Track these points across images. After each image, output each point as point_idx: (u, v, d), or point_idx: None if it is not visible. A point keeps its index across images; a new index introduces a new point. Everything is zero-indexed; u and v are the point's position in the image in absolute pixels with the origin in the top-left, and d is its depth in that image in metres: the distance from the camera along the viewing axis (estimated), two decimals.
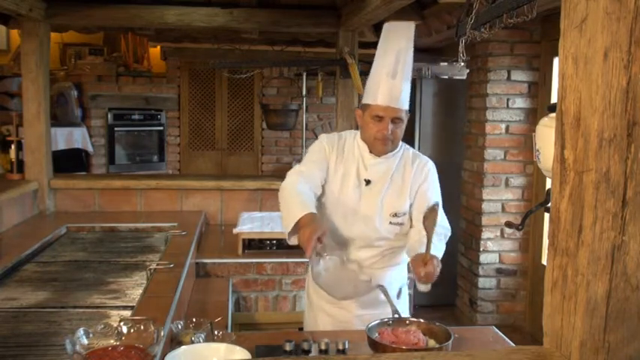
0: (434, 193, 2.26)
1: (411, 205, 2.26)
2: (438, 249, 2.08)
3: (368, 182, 2.23)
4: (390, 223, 2.23)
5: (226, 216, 4.18)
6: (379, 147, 2.22)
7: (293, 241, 2.11)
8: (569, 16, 1.04)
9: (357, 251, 2.26)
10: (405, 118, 2.21)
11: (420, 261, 1.96)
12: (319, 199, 2.26)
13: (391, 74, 2.14)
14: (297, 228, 2.04)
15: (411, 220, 2.26)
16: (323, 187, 2.27)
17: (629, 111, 0.96)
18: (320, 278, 2.08)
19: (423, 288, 2.00)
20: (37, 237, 3.18)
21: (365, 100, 2.23)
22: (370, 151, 2.25)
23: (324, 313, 2.34)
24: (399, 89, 2.15)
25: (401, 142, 2.29)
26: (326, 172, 2.27)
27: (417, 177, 2.26)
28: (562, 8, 1.06)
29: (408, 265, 2.23)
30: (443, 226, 2.18)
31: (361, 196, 2.23)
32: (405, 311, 2.34)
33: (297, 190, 2.16)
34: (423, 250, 1.99)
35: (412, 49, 2.18)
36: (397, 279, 2.36)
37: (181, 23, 4.16)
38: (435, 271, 1.95)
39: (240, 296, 3.29)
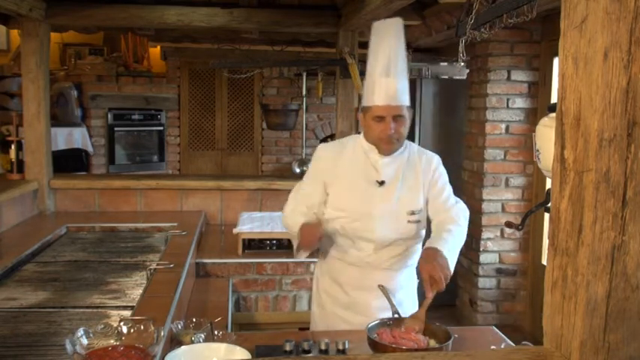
0: (446, 187, 2.30)
1: (426, 202, 2.27)
2: (452, 251, 2.18)
3: (382, 183, 2.22)
4: (409, 221, 2.23)
5: (226, 216, 4.18)
6: (385, 147, 2.21)
7: (302, 255, 2.19)
8: (569, 16, 1.04)
9: (375, 253, 2.24)
10: (408, 113, 2.20)
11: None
12: (332, 208, 2.26)
13: (384, 73, 2.14)
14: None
15: (427, 217, 2.29)
16: (329, 195, 2.27)
17: (629, 111, 0.96)
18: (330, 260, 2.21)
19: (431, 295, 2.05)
20: (37, 237, 3.18)
21: (364, 103, 2.23)
22: (378, 152, 2.24)
23: (339, 318, 2.31)
24: (395, 86, 2.14)
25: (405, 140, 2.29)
26: (323, 186, 2.27)
27: (427, 172, 2.28)
28: (562, 8, 1.06)
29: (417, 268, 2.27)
30: (457, 217, 2.27)
31: (374, 198, 2.22)
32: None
33: (296, 212, 2.28)
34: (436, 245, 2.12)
35: (403, 45, 2.18)
36: (411, 280, 2.37)
37: (181, 23, 4.16)
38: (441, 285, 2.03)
39: (240, 296, 3.29)
